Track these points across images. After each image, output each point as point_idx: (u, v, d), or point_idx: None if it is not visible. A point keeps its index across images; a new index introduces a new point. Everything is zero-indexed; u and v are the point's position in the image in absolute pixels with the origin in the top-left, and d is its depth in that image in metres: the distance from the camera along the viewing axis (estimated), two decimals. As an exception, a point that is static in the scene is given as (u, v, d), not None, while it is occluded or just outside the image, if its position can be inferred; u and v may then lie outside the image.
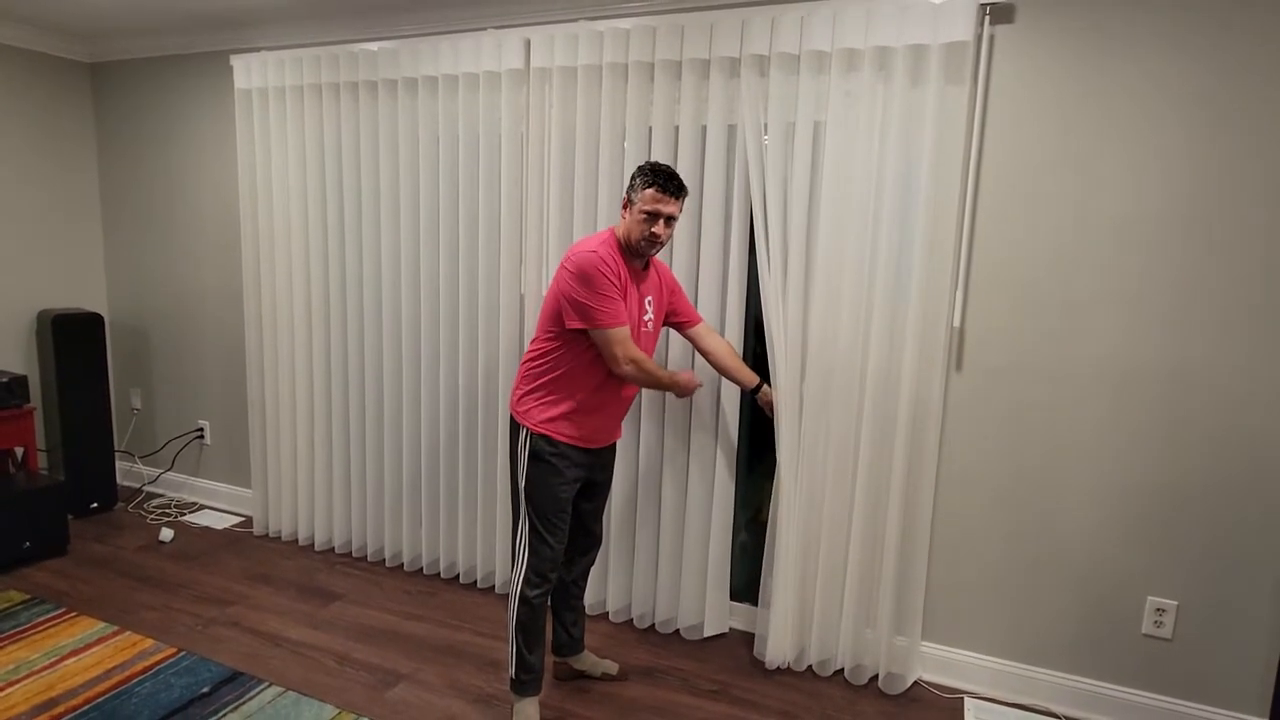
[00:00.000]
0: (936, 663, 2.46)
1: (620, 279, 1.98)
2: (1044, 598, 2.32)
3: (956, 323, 2.29)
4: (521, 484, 2.09)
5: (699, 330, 2.30)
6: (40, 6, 3.08)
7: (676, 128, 2.46)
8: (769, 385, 2.37)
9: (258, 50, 3.21)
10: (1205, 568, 2.14)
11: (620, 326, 1.97)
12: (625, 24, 2.44)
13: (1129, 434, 2.17)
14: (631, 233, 2.00)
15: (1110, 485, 2.20)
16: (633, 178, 2.01)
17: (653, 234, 1.99)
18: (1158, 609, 2.19)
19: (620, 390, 2.11)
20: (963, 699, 2.38)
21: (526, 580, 2.09)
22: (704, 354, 2.32)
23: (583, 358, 2.03)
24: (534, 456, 2.06)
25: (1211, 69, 1.98)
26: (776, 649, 2.53)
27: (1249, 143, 1.96)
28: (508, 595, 2.14)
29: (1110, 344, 2.15)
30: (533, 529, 2.08)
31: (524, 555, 2.09)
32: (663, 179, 1.97)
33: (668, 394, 2.56)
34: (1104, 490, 2.21)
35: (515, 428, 2.11)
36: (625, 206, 2.03)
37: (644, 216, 1.97)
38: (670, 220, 2.00)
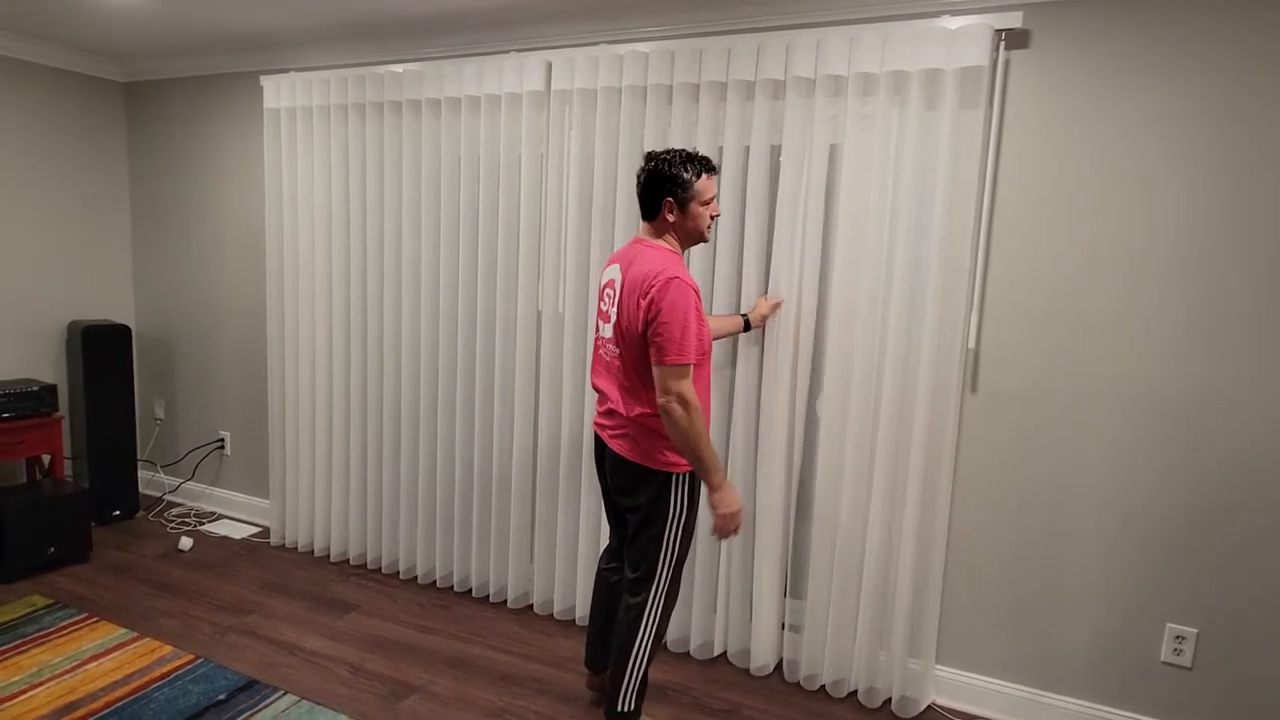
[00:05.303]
0: (951, 687, 2.44)
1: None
2: (1061, 623, 2.29)
3: (971, 345, 2.30)
4: (678, 529, 2.05)
5: None
6: (78, 29, 3.19)
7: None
8: (749, 316, 2.37)
9: (287, 71, 3.30)
10: (1225, 594, 2.11)
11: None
12: (644, 48, 2.49)
13: (1146, 457, 2.15)
14: (698, 224, 1.99)
15: (1127, 509, 2.19)
16: (675, 174, 1.93)
17: (715, 214, 2.02)
18: (1177, 636, 2.16)
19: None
20: (977, 724, 2.36)
21: (665, 612, 2.10)
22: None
23: (701, 375, 2.00)
24: (692, 494, 2.06)
25: (1229, 94, 1.98)
26: (790, 670, 2.52)
27: (1266, 166, 1.97)
28: (633, 628, 2.06)
29: (1126, 367, 2.15)
30: (678, 564, 2.10)
31: (666, 588, 2.08)
32: (709, 162, 1.98)
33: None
34: (1121, 514, 2.19)
35: (664, 479, 2.01)
36: (672, 210, 1.96)
37: (708, 202, 1.99)
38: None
